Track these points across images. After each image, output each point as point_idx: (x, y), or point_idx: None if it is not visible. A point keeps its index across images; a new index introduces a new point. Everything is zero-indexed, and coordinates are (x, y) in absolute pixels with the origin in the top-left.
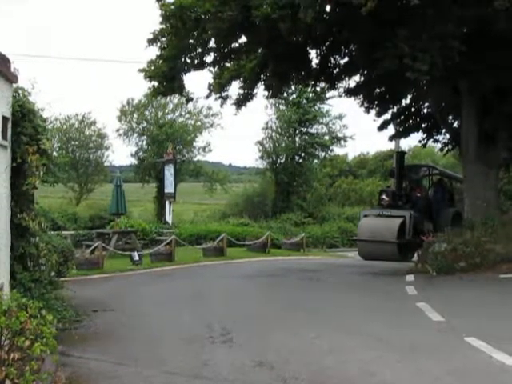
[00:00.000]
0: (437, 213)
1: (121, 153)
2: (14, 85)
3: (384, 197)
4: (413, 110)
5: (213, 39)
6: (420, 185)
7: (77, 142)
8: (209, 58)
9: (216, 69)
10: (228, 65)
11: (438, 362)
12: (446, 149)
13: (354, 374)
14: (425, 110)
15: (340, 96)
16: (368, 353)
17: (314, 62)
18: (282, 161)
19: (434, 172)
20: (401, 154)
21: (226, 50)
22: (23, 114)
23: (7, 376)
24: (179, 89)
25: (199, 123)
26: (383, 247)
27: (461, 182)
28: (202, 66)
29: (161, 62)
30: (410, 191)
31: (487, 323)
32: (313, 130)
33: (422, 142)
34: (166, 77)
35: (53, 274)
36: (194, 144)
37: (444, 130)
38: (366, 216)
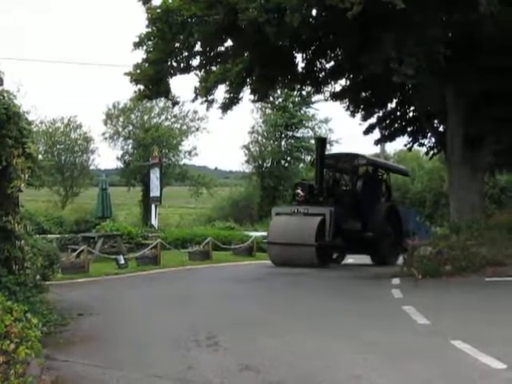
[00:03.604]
0: (367, 209)
1: (106, 156)
2: (0, 87)
3: (299, 191)
4: (398, 113)
5: (199, 43)
6: (353, 176)
7: (62, 146)
8: (195, 62)
9: (202, 72)
10: (214, 68)
11: (424, 365)
12: (432, 153)
13: (341, 378)
14: (410, 114)
15: (326, 100)
16: (354, 356)
17: (300, 65)
18: (268, 165)
19: (361, 162)
20: (321, 141)
21: (212, 54)
22: (8, 117)
23: None
24: (165, 92)
25: (185, 127)
26: (299, 251)
27: (400, 173)
28: (188, 69)
29: (147, 65)
30: (333, 184)
31: (473, 326)
32: (299, 134)
33: (408, 145)
34: (152, 80)
35: (38, 277)
36: (180, 148)
37: (430, 134)
38: (278, 214)
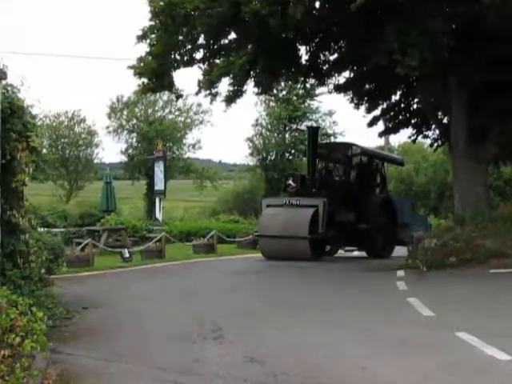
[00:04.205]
0: (361, 200)
1: (110, 150)
2: (3, 81)
3: (291, 182)
4: (402, 105)
5: (202, 36)
6: (347, 166)
7: (66, 140)
8: (198, 55)
9: (205, 65)
10: (218, 61)
11: (429, 356)
12: (436, 144)
13: (345, 369)
14: (414, 106)
15: (330, 92)
16: (358, 348)
17: (304, 58)
18: (272, 157)
19: (355, 152)
20: (314, 130)
21: (215, 47)
22: (12, 111)
23: None
24: (169, 85)
25: (189, 120)
26: (291, 244)
27: (395, 162)
28: (191, 62)
29: (150, 58)
30: (325, 175)
31: (478, 318)
32: (302, 127)
33: (412, 137)
34: (156, 73)
35: (43, 271)
36: (184, 141)
37: (434, 126)
38: (269, 206)
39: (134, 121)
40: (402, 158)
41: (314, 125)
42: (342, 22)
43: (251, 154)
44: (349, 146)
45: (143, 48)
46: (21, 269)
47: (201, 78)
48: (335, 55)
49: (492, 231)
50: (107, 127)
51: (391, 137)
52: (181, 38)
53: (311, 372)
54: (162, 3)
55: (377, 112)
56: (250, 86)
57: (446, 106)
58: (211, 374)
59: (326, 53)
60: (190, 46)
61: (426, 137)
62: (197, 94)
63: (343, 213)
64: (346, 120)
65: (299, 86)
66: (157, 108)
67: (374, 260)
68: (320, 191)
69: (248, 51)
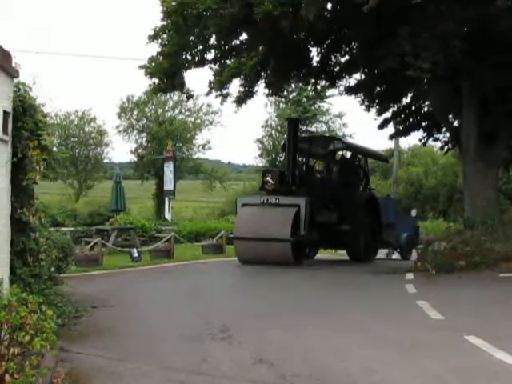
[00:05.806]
0: (344, 199)
1: (120, 150)
2: (15, 80)
3: (269, 179)
4: (413, 108)
5: (214, 36)
6: (329, 162)
7: (76, 139)
8: (209, 55)
9: (217, 66)
10: (229, 62)
11: (438, 360)
12: (446, 148)
13: (355, 371)
14: (425, 109)
15: (340, 94)
16: (368, 350)
17: (315, 59)
18: (282, 159)
19: (338, 146)
20: (294, 123)
21: (226, 47)
22: (24, 109)
23: (7, 371)
24: (180, 86)
25: (199, 121)
26: (271, 247)
27: (379, 159)
28: (202, 63)
29: (161, 58)
30: (306, 171)
31: (487, 322)
32: (312, 129)
33: (423, 140)
34: (167, 73)
35: (52, 269)
36: (194, 141)
37: (444, 129)
38: (245, 206)
39: (144, 121)
40: (387, 155)
41: (324, 127)
42: (353, 23)
43: (261, 156)
44: (331, 139)
45: (154, 48)
46: (31, 267)
47: (212, 78)
48: (346, 57)
49: (502, 235)
50: (117, 127)
51: (401, 139)
52: (192, 38)
53: (320, 374)
54: (174, 3)
55: (387, 114)
56: (260, 87)
57: (457, 109)
58: (220, 374)
59: (338, 54)
60: (201, 47)
61: (436, 140)
62: (207, 94)
63: (325, 212)
64: (356, 122)
65: (310, 87)
66: (167, 108)
67: (381, 262)
68: (300, 189)
69: (259, 52)
